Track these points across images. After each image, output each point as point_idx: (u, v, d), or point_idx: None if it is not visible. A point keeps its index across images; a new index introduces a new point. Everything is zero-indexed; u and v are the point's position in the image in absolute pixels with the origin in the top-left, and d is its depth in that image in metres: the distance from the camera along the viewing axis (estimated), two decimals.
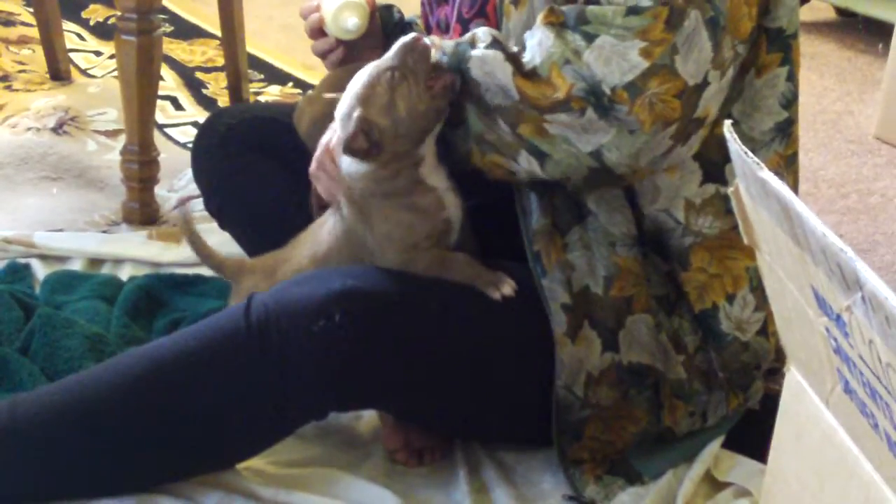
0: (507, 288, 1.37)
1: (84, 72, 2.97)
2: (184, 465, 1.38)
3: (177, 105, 2.78)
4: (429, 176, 1.37)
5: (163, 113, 2.68)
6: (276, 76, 3.00)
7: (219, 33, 2.79)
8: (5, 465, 1.33)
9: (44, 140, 2.47)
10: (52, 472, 1.33)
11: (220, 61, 2.89)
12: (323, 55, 1.56)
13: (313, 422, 1.41)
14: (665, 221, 1.39)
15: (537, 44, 1.28)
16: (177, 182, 2.30)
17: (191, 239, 1.55)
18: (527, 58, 1.29)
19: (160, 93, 2.26)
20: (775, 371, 1.52)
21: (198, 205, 1.82)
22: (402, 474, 1.48)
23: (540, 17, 1.30)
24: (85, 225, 2.14)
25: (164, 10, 3.33)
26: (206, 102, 2.81)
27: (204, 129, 1.79)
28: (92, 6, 3.43)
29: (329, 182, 1.41)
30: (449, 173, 1.38)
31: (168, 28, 3.29)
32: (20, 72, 2.91)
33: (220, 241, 1.74)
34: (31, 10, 2.90)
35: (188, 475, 1.39)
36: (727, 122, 0.93)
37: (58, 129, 2.54)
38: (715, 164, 1.37)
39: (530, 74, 1.27)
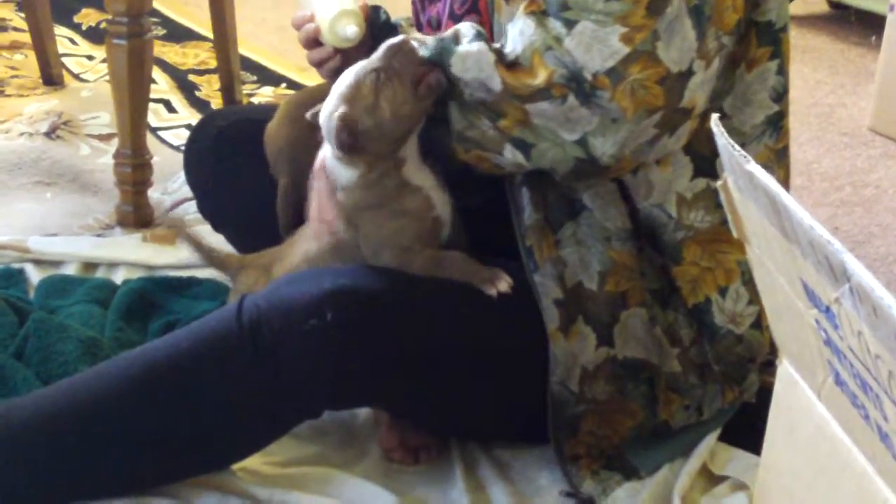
0: (504, 284, 1.36)
1: (76, 76, 2.97)
2: (179, 466, 1.38)
3: (170, 108, 2.77)
4: (413, 176, 1.36)
5: (156, 116, 2.67)
6: (269, 78, 3.00)
7: (211, 36, 2.79)
8: (0, 469, 1.33)
9: (37, 145, 2.47)
10: (47, 476, 1.33)
11: (213, 63, 2.88)
12: (319, 64, 1.53)
13: (308, 421, 1.41)
14: (658, 216, 1.39)
15: (518, 33, 1.28)
16: (170, 185, 2.30)
17: (189, 239, 1.54)
18: (508, 48, 1.29)
19: (153, 96, 2.26)
20: (770, 364, 1.52)
21: (191, 207, 1.82)
22: (398, 473, 1.48)
23: (522, 7, 1.29)
24: (79, 229, 2.14)
25: (157, 14, 3.34)
26: (199, 105, 2.80)
27: (196, 132, 1.78)
28: (84, 10, 3.42)
29: (324, 201, 1.40)
30: (436, 171, 1.38)
31: (160, 31, 3.28)
32: (13, 77, 2.91)
33: (214, 243, 1.73)
34: (23, 15, 2.89)
35: (184, 476, 1.39)
36: (714, 116, 0.93)
37: (51, 133, 2.53)
38: (705, 159, 1.37)
39: (513, 64, 1.27)
